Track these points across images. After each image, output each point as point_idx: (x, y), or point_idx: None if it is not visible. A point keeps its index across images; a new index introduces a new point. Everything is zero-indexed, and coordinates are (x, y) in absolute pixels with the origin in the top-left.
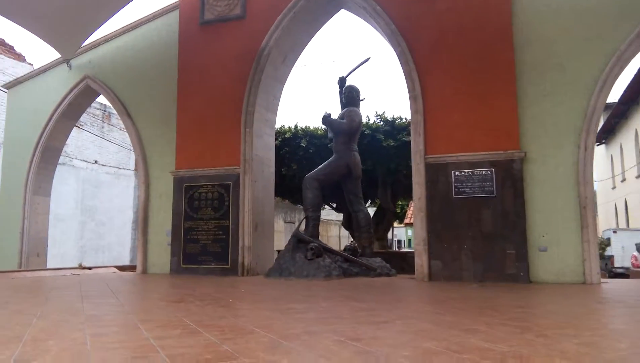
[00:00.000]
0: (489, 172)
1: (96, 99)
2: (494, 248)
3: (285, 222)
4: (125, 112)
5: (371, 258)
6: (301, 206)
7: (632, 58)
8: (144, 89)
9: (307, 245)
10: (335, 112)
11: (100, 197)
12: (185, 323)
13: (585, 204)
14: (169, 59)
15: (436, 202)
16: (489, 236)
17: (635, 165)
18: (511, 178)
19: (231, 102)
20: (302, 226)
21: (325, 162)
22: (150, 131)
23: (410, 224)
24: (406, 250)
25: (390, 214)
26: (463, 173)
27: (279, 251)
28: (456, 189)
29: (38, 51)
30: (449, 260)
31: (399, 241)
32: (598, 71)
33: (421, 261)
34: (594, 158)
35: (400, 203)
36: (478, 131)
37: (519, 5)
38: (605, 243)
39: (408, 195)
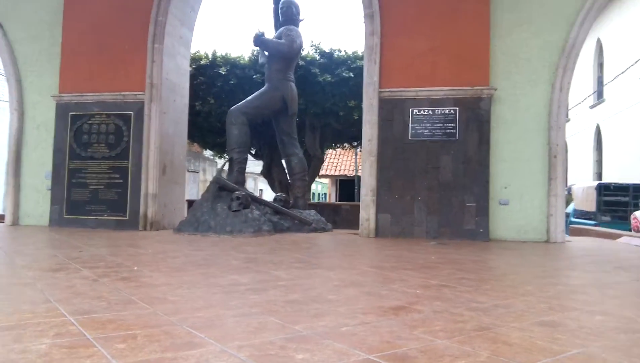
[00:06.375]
0: (452, 111)
1: None
2: (452, 201)
3: (188, 171)
4: None
5: (305, 210)
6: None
7: None
8: None
9: (231, 193)
10: (269, 34)
11: None
12: (65, 319)
13: (556, 153)
14: None
15: (389, 145)
16: (447, 186)
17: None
18: (477, 120)
19: (136, 9)
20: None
21: (256, 93)
22: (28, 46)
23: (324, 176)
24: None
25: (317, 162)
26: (422, 112)
27: (189, 201)
28: (413, 131)
29: None
30: (400, 213)
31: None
32: (580, 1)
33: (367, 215)
34: (568, 100)
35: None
36: (443, 61)
37: None
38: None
39: (337, 142)
